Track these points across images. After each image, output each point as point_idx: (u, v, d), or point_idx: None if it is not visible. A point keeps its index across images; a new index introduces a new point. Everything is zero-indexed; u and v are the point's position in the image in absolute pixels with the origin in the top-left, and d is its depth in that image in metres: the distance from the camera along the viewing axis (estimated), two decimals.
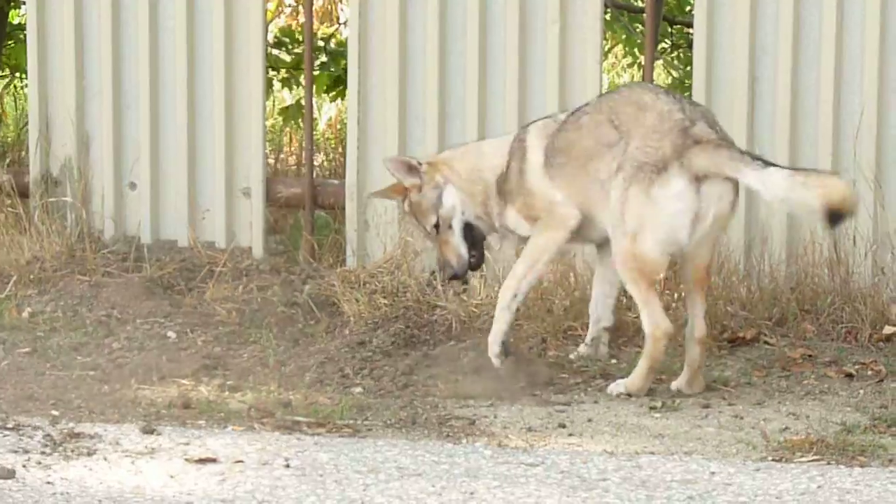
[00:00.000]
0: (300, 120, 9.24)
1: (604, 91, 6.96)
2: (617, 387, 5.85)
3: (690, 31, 10.22)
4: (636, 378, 5.84)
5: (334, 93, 9.57)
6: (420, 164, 6.17)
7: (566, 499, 4.67)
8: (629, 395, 5.79)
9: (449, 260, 6.19)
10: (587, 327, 6.29)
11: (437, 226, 6.19)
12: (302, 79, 9.01)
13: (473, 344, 6.22)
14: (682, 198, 5.72)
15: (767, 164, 5.72)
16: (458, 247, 6.15)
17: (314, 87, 8.10)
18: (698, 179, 5.69)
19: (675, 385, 5.90)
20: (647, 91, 6.05)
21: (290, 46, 9.68)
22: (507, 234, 6.19)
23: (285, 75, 9.65)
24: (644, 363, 5.83)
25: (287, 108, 9.71)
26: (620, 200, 5.75)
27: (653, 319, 5.78)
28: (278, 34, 9.93)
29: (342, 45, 9.64)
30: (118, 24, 7.39)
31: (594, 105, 6.06)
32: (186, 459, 5.00)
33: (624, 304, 6.58)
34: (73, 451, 5.08)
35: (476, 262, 6.22)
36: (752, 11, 6.87)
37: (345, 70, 7.68)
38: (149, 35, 7.36)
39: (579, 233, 5.99)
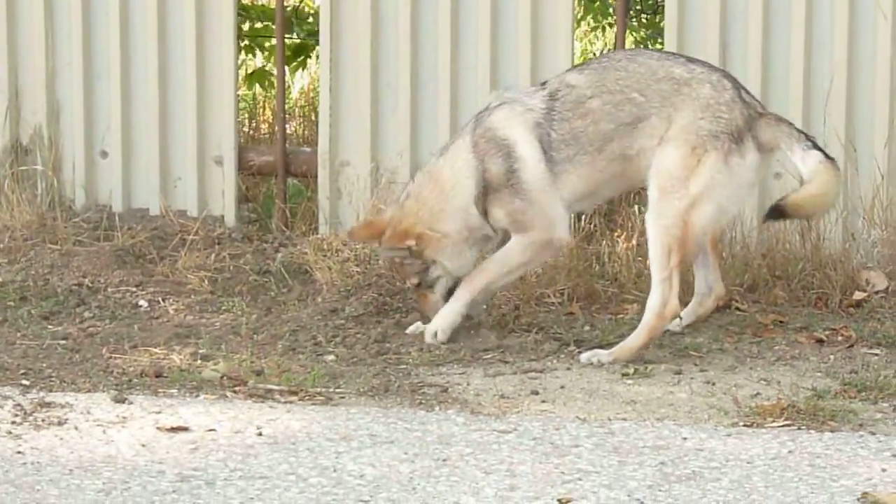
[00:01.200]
0: (266, 84, 9.28)
1: (576, 60, 6.94)
2: (594, 356, 5.79)
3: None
4: (625, 350, 5.80)
5: (295, 63, 9.56)
6: (409, 244, 5.97)
7: (539, 465, 4.68)
8: (608, 362, 5.76)
9: (428, 313, 6.09)
10: (559, 294, 6.28)
11: (418, 284, 6.12)
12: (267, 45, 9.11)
13: None
14: (755, 169, 5.85)
15: (814, 145, 5.84)
16: (437, 304, 6.08)
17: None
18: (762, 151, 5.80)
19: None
20: (666, 59, 6.03)
21: (252, 20, 9.68)
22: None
23: (248, 43, 9.63)
24: (640, 337, 5.82)
25: (253, 73, 9.69)
26: (685, 166, 5.73)
27: (667, 297, 5.78)
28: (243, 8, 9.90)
29: (306, 14, 9.70)
30: None
31: (595, 86, 5.92)
32: (158, 428, 5.00)
33: (596, 272, 6.59)
34: (43, 420, 5.07)
35: None
36: None
37: (309, 37, 7.64)
38: (119, 4, 7.31)
39: None
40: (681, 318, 6.01)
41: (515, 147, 5.90)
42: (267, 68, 9.58)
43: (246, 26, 9.37)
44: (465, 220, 6.01)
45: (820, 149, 5.88)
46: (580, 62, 6.32)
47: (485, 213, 5.99)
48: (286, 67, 8.56)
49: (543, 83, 6.09)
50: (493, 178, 5.93)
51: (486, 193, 5.96)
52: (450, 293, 6.08)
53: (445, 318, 6.01)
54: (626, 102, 5.86)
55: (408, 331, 6.12)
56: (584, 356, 5.80)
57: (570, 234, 6.13)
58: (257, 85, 9.63)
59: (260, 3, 10.76)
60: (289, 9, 9.19)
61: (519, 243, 5.97)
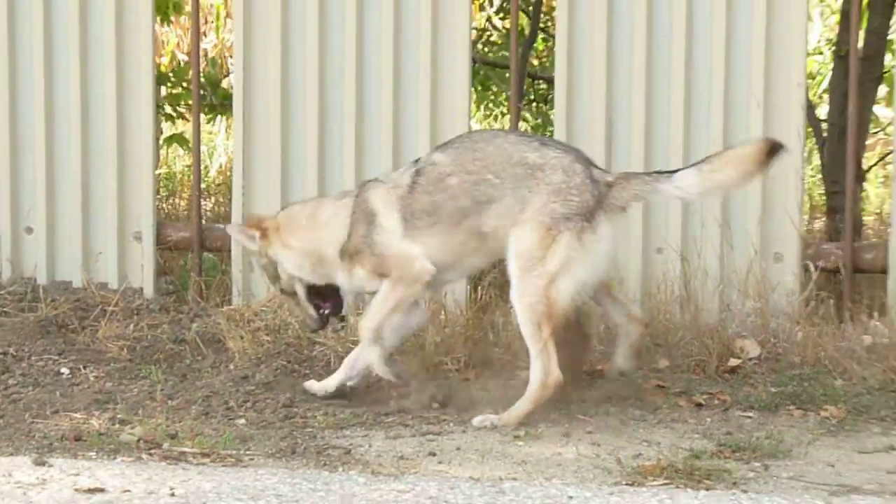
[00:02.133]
0: (184, 147, 9.37)
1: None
2: (485, 420, 5.79)
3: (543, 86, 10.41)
4: (512, 416, 5.79)
5: (209, 116, 9.95)
6: (254, 234, 6.16)
7: None
8: (499, 426, 5.76)
9: (302, 318, 6.30)
10: (456, 361, 6.31)
11: (282, 290, 6.24)
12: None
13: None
14: (611, 239, 5.86)
15: (670, 172, 5.90)
16: (306, 308, 6.19)
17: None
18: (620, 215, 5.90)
19: (615, 367, 6.10)
20: (521, 143, 6.01)
21: (170, 85, 9.80)
22: (355, 290, 6.15)
23: (167, 112, 9.75)
24: (525, 406, 5.80)
25: (171, 136, 9.87)
26: (542, 247, 5.74)
27: (547, 368, 5.76)
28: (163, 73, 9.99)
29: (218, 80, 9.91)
30: (14, 70, 7.33)
31: (455, 166, 5.95)
32: (76, 489, 4.95)
33: (491, 340, 6.62)
34: None
35: (334, 310, 6.20)
36: (608, 68, 6.95)
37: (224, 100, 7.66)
38: (43, 81, 7.31)
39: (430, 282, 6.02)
40: (624, 374, 6.14)
41: (377, 217, 5.96)
42: (184, 133, 9.67)
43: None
44: (319, 252, 6.07)
45: (684, 169, 5.94)
46: (462, 135, 6.33)
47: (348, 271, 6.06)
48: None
49: (416, 161, 6.14)
50: (357, 239, 5.98)
51: (349, 253, 6.01)
52: (315, 297, 6.15)
53: (370, 356, 6.01)
54: (482, 183, 5.88)
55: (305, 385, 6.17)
56: (477, 420, 5.80)
57: (431, 265, 6.01)
58: (178, 160, 9.75)
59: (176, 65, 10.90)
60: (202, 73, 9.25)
61: (386, 285, 5.98)
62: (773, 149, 5.80)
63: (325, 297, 6.14)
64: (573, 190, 5.81)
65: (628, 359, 6.12)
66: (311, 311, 6.17)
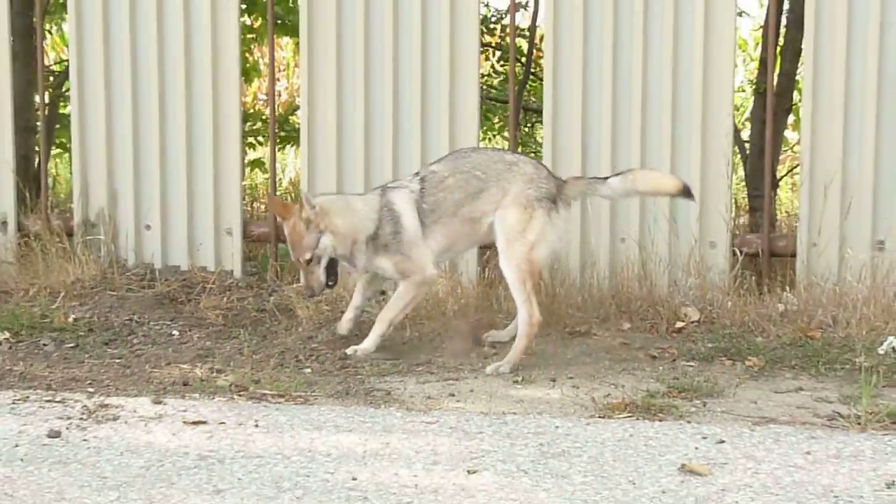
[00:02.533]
0: (263, 168, 9.52)
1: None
2: (495, 368, 5.77)
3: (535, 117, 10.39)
4: (515, 354, 5.80)
5: (281, 145, 10.12)
6: (315, 206, 5.88)
7: (454, 446, 4.67)
8: (507, 371, 5.74)
9: (311, 285, 5.96)
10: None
11: (308, 260, 5.92)
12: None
13: (391, 337, 6.19)
14: (566, 220, 5.99)
15: (605, 177, 6.03)
16: (320, 276, 5.94)
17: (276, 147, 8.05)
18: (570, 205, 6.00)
19: (494, 338, 6.10)
20: (497, 152, 6.24)
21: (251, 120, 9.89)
22: (363, 268, 6.02)
23: (250, 140, 9.82)
24: (521, 342, 5.81)
25: (254, 161, 9.97)
26: (521, 221, 5.79)
27: (531, 311, 5.80)
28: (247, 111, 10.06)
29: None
30: (137, 107, 7.33)
31: (449, 170, 5.95)
32: (185, 422, 4.96)
33: (495, 308, 6.60)
34: (103, 417, 5.03)
35: (333, 284, 6.06)
36: (583, 104, 6.92)
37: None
38: (158, 120, 7.31)
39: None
40: (495, 345, 6.11)
41: (401, 217, 5.91)
42: (263, 158, 9.69)
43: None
44: (354, 236, 5.92)
45: (613, 176, 6.05)
46: (451, 153, 6.37)
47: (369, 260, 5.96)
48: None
49: (417, 173, 6.12)
50: (384, 235, 5.90)
51: (374, 248, 5.92)
52: (329, 269, 5.95)
53: (370, 344, 5.96)
54: (473, 178, 5.91)
55: (347, 351, 6.05)
56: (489, 368, 5.79)
57: (439, 270, 6.10)
58: (258, 175, 9.79)
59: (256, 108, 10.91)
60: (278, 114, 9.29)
61: (405, 286, 5.94)
62: (684, 190, 6.00)
63: (332, 272, 6.00)
64: (542, 179, 5.92)
65: (506, 336, 6.12)
66: (324, 278, 5.96)
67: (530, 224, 5.82)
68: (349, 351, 6.03)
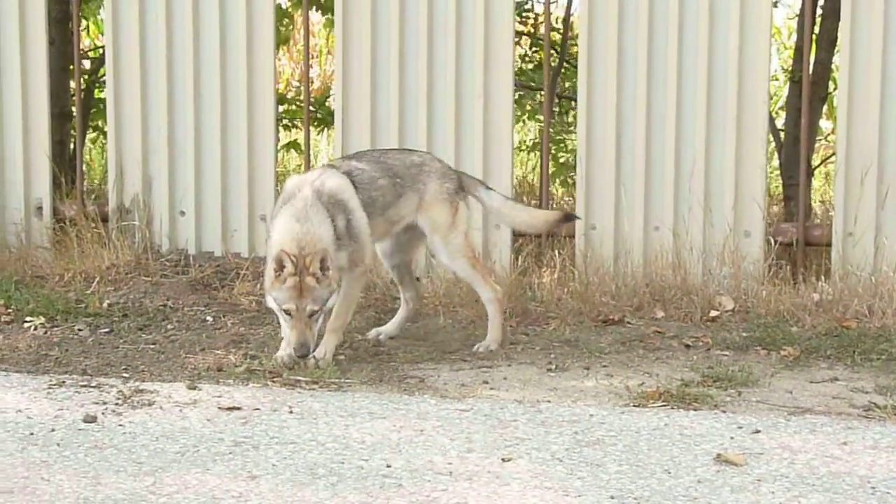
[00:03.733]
0: (297, 150, 9.62)
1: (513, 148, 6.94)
2: (487, 346, 5.87)
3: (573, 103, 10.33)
4: (495, 333, 5.91)
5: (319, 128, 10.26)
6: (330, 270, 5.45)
7: (488, 434, 4.66)
8: (495, 349, 5.83)
9: (308, 341, 5.37)
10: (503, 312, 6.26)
11: (311, 314, 5.40)
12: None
13: (424, 325, 6.18)
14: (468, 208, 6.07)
15: (489, 189, 6.14)
16: (316, 333, 5.46)
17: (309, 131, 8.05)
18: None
19: (385, 332, 6.08)
20: (406, 153, 6.14)
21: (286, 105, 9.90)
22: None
23: (285, 122, 9.88)
24: (498, 319, 5.92)
25: (288, 143, 9.99)
26: (449, 213, 5.86)
27: (492, 287, 5.96)
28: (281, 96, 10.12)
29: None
30: (171, 96, 7.34)
31: (379, 172, 5.82)
32: (219, 407, 4.97)
33: (528, 296, 6.58)
34: (138, 402, 5.04)
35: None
36: (618, 93, 6.88)
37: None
38: (193, 108, 7.31)
39: None
40: (390, 338, 6.07)
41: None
42: (297, 140, 9.73)
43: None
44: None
45: (497, 192, 6.18)
46: (353, 153, 6.31)
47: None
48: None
49: (332, 164, 5.99)
50: (340, 231, 5.61)
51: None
52: None
53: (330, 350, 5.64)
54: (396, 183, 5.89)
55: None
56: (480, 347, 5.87)
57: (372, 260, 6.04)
58: (292, 160, 9.85)
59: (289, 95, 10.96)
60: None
61: (353, 278, 5.70)
62: (567, 217, 6.41)
63: None
64: (451, 173, 6.04)
65: (398, 327, 6.11)
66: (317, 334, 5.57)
67: (457, 215, 5.91)
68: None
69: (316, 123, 9.83)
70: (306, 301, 5.36)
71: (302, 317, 5.38)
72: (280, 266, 5.40)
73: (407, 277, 6.17)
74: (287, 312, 5.41)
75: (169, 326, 6.34)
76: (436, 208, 5.88)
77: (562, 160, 9.72)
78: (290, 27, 9.92)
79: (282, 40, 9.85)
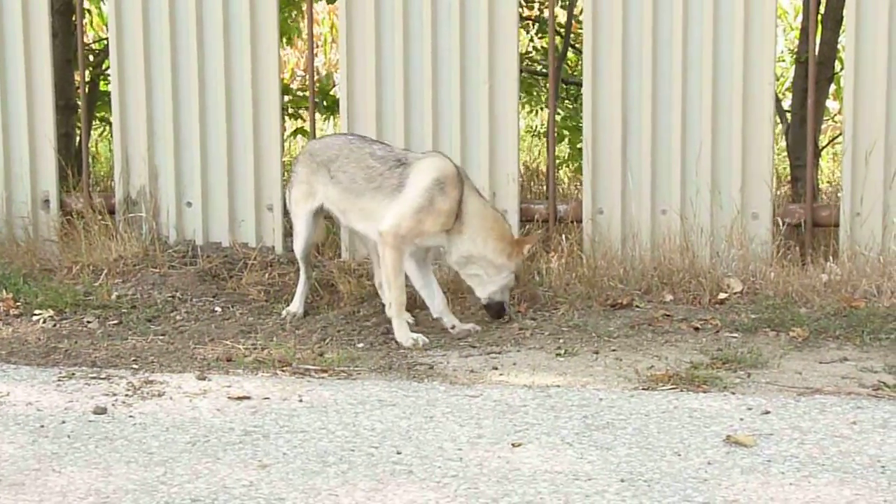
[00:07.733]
0: (306, 135, 9.51)
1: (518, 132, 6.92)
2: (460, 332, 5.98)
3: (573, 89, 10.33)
4: (399, 329, 5.88)
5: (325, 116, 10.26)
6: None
7: (498, 420, 4.67)
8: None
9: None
10: (511, 297, 6.26)
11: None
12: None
13: (428, 313, 6.19)
14: None
15: None
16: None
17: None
18: None
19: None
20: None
21: (292, 94, 9.90)
22: None
23: (291, 112, 9.97)
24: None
25: (295, 130, 9.99)
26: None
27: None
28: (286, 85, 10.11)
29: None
30: (176, 86, 7.34)
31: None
32: (229, 397, 4.99)
33: (536, 282, 6.58)
34: (148, 393, 5.06)
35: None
36: (623, 75, 6.87)
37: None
38: (198, 96, 7.31)
39: None
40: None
41: None
42: (305, 126, 9.74)
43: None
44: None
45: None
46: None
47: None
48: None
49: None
50: None
51: None
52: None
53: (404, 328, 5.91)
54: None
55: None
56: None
57: None
58: (298, 146, 9.89)
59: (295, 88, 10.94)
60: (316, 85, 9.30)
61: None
62: None
63: None
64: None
65: (302, 303, 6.31)
66: None
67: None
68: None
69: (325, 109, 9.84)
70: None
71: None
72: None
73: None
74: None
75: (178, 317, 6.36)
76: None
77: (579, 146, 9.71)
78: (297, 16, 9.91)
79: (291, 32, 9.87)
